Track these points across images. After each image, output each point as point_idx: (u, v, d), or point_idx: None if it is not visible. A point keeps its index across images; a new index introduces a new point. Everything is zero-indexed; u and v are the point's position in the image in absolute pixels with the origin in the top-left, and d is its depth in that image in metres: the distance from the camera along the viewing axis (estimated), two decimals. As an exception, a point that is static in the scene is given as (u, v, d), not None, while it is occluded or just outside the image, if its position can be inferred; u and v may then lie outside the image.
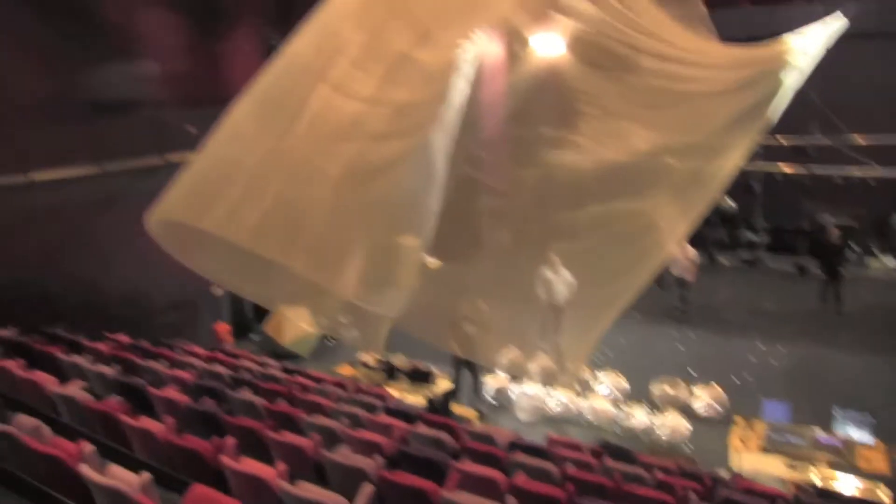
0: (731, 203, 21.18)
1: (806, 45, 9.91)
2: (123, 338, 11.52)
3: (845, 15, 17.69)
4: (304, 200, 9.11)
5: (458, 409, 11.91)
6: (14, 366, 8.34)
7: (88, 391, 8.00)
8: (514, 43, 8.31)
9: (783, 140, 18.83)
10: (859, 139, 18.31)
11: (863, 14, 19.59)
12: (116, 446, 6.47)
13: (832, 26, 11.08)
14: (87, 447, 5.48)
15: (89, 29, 15.15)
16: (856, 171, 18.36)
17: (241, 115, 8.44)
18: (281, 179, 8.94)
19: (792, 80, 9.73)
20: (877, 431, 10.09)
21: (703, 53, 9.12)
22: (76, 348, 10.38)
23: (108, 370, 8.93)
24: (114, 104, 14.89)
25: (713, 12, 14.11)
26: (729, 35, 21.58)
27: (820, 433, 9.98)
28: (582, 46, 8.74)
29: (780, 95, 9.73)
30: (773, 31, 21.23)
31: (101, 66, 15.19)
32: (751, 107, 9.47)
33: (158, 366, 9.78)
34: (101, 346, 10.53)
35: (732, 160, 9.94)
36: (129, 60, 15.89)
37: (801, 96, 18.21)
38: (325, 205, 9.17)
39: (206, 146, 8.77)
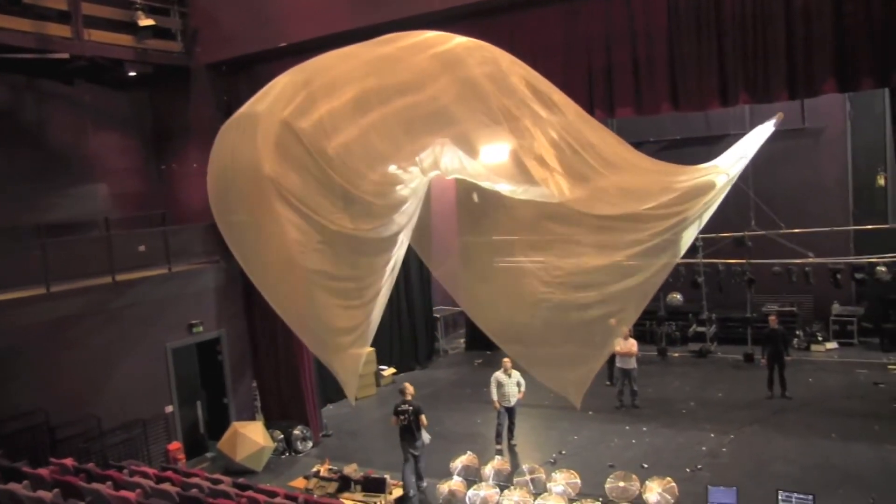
0: (678, 297, 21.66)
1: (731, 165, 10.46)
2: (69, 462, 11.38)
3: (771, 114, 18.64)
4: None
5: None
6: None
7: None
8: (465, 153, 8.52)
9: (724, 235, 19.45)
10: (794, 230, 18.98)
11: (789, 113, 20.69)
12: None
13: (763, 131, 11.85)
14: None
15: (39, 153, 15.47)
16: (795, 261, 18.95)
17: None
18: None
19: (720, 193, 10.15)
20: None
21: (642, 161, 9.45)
22: (14, 475, 10.26)
23: (47, 496, 8.84)
24: (62, 226, 15.07)
25: (647, 117, 14.87)
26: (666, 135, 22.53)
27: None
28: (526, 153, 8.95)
29: (712, 203, 10.08)
30: (709, 130, 22.33)
31: (50, 189, 15.44)
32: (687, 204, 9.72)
33: (103, 488, 9.69)
34: (43, 472, 10.40)
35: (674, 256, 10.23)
36: (78, 183, 16.17)
37: (740, 193, 19.04)
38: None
39: None
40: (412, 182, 8.77)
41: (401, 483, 13.07)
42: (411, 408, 13.48)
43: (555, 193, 8.04)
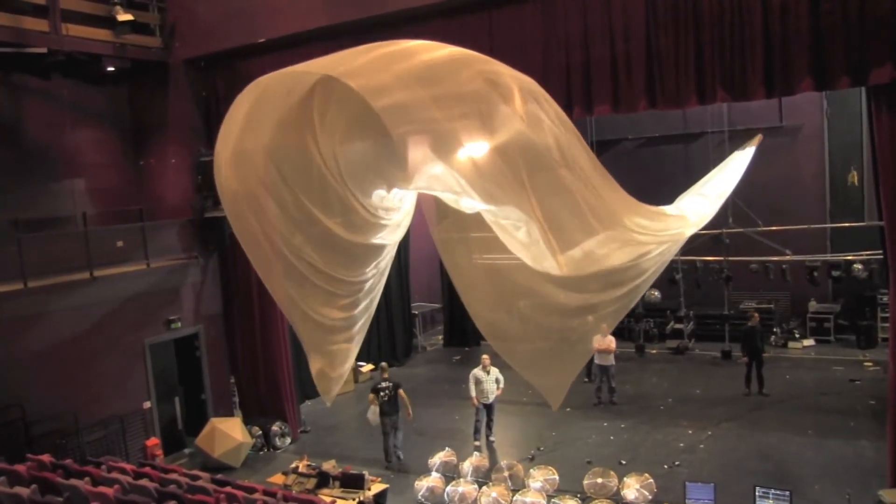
0: (655, 294, 21.77)
1: (703, 215, 10.66)
2: (46, 458, 11.31)
3: (749, 111, 18.80)
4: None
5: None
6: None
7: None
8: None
9: (702, 232, 19.55)
10: (771, 228, 19.12)
11: (767, 111, 20.83)
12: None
13: (742, 161, 12.04)
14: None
15: (15, 148, 15.31)
16: (772, 258, 19.09)
17: None
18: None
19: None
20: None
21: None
22: (-9, 471, 10.19)
23: (24, 492, 8.79)
24: (39, 221, 14.94)
25: (624, 115, 14.91)
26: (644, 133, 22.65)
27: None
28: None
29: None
30: (686, 128, 22.48)
31: (27, 184, 15.31)
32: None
33: (81, 484, 9.64)
34: (20, 468, 10.34)
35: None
36: (55, 178, 16.04)
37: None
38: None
39: None
40: (395, 214, 9.04)
41: (379, 479, 13.08)
42: (391, 384, 14.72)
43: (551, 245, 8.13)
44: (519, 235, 8.62)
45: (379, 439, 14.97)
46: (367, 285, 9.82)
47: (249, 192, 8.36)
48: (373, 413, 14.62)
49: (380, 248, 9.50)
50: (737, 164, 12.29)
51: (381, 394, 14.61)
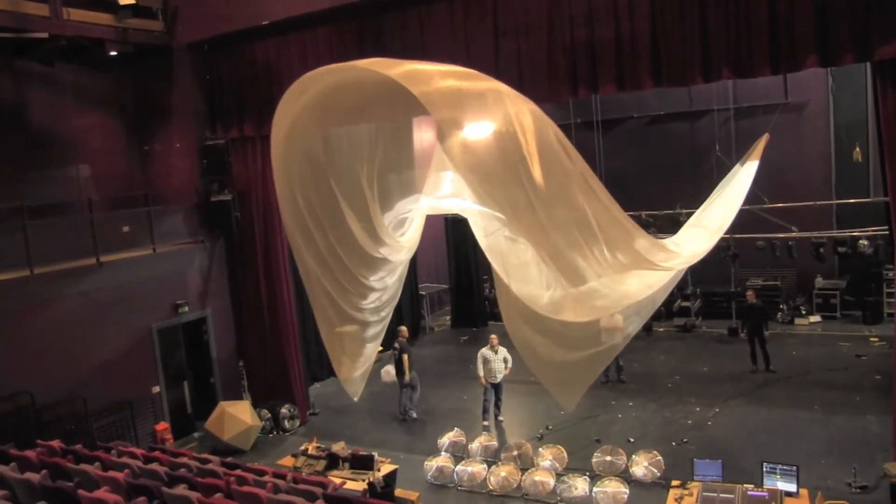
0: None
1: (696, 252, 10.81)
2: (56, 444, 11.38)
3: (755, 89, 18.61)
4: None
5: (401, 492, 12.00)
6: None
7: (11, 500, 7.91)
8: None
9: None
10: (777, 205, 19.07)
11: (772, 88, 20.67)
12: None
13: (745, 178, 12.07)
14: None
15: (19, 134, 15.29)
16: (778, 235, 19.06)
17: None
18: None
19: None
20: (803, 481, 10.34)
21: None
22: (1, 457, 10.25)
23: (35, 477, 8.84)
24: (44, 207, 14.94)
25: (630, 94, 14.80)
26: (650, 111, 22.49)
27: (749, 488, 10.19)
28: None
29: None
30: (692, 105, 22.35)
31: (32, 170, 15.31)
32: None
33: (91, 469, 9.70)
34: (31, 454, 10.40)
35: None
36: (59, 164, 16.03)
37: (723, 168, 19.13)
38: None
39: None
40: (401, 238, 10.00)
41: (388, 460, 13.16)
42: (400, 347, 16.22)
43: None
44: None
45: (387, 419, 15.98)
46: (374, 295, 10.18)
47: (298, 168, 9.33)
48: (385, 372, 16.29)
49: (386, 261, 9.96)
50: (739, 185, 12.38)
51: (394, 352, 16.35)
